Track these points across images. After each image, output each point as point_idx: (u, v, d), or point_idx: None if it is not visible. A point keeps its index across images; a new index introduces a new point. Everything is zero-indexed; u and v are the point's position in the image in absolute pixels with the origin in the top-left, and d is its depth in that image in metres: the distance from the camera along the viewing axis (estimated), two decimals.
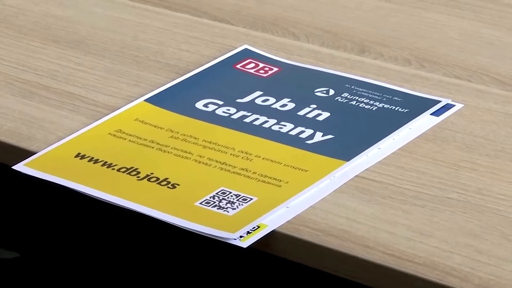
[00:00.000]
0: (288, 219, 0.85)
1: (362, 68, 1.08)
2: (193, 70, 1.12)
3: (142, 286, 1.02)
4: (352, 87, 1.07)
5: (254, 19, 1.20)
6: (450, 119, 1.01)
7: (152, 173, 0.93)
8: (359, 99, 1.05)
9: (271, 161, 0.95)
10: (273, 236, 0.84)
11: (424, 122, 0.99)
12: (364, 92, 1.06)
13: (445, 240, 0.83)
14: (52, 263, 1.03)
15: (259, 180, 0.92)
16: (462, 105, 1.02)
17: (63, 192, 0.92)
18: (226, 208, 0.87)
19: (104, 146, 0.98)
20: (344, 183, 0.90)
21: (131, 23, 1.25)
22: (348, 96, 1.05)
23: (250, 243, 0.82)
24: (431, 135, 0.98)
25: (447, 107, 1.02)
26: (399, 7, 1.23)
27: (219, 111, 1.04)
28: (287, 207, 0.86)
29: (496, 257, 0.80)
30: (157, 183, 0.91)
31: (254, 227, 0.83)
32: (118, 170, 0.94)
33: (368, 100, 1.05)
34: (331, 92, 1.06)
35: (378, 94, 1.05)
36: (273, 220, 0.84)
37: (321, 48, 1.12)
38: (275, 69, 1.12)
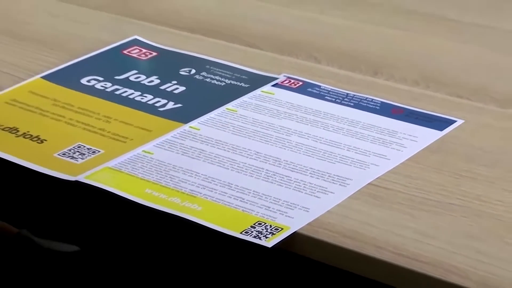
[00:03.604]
0: (308, 222, 0.89)
1: (375, 88, 1.12)
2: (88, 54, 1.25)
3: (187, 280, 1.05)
4: (211, 67, 1.20)
5: (282, 44, 1.26)
6: (452, 133, 1.04)
7: (28, 131, 1.06)
8: (213, 77, 1.18)
9: (125, 123, 1.08)
10: (294, 237, 0.88)
11: (429, 135, 1.03)
12: (218, 71, 1.19)
13: (448, 241, 0.86)
14: (109, 256, 1.08)
15: (110, 138, 1.05)
16: (463, 121, 1.05)
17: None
18: (77, 158, 1.01)
19: (4, 111, 1.12)
20: (358, 190, 0.94)
21: None
22: (205, 75, 1.18)
23: (275, 243, 0.86)
24: (435, 148, 1.01)
25: (450, 122, 1.05)
26: (408, 33, 1.28)
27: (98, 86, 1.17)
28: (307, 211, 0.90)
29: (493, 256, 0.83)
30: (30, 139, 1.05)
31: (277, 229, 0.87)
32: (2, 129, 1.07)
33: (220, 78, 1.17)
34: (193, 71, 1.19)
35: (229, 73, 1.18)
36: (294, 222, 0.88)
37: (339, 71, 1.17)
38: (154, 53, 1.25)
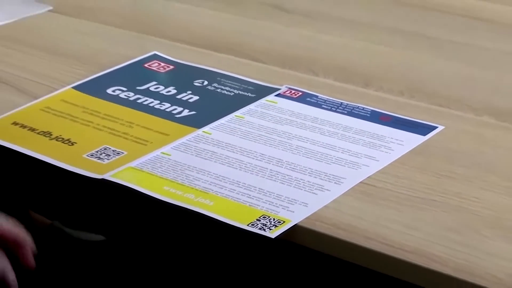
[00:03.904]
0: (307, 216, 0.90)
1: (366, 98, 1.12)
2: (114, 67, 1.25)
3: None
4: (221, 79, 1.19)
5: (284, 59, 1.25)
6: (434, 138, 1.04)
7: (60, 135, 1.06)
8: (223, 88, 1.17)
9: (146, 128, 1.08)
10: (295, 229, 0.88)
11: (413, 140, 1.03)
12: (228, 82, 1.18)
13: (430, 233, 0.86)
14: (131, 245, 1.08)
15: (132, 141, 1.05)
16: (444, 127, 1.05)
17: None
18: (103, 159, 1.01)
19: (34, 117, 1.11)
20: (351, 188, 0.94)
21: None
22: (217, 86, 1.17)
23: (277, 234, 0.87)
24: (419, 151, 1.01)
25: (432, 128, 1.06)
26: (394, 50, 1.28)
27: (122, 95, 1.16)
28: (306, 206, 0.91)
29: (470, 246, 0.83)
30: (61, 142, 1.05)
31: (279, 221, 0.88)
32: (38, 133, 1.07)
33: (229, 88, 1.16)
34: (205, 83, 1.18)
35: (237, 84, 1.17)
36: (295, 216, 0.89)
37: (334, 82, 1.17)
38: (171, 67, 1.24)
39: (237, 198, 0.92)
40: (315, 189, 0.93)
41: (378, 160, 0.98)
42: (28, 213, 1.14)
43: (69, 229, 1.09)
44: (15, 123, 1.08)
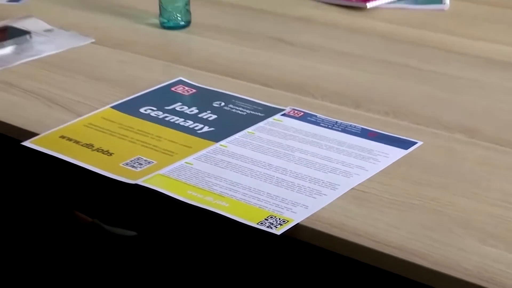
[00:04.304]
0: (307, 216, 0.90)
1: (357, 118, 1.12)
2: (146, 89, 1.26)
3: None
4: (235, 101, 1.18)
5: (288, 85, 1.25)
6: (414, 152, 1.04)
7: (100, 147, 1.07)
8: (237, 108, 1.17)
9: (172, 141, 1.08)
10: (297, 227, 0.89)
11: (397, 153, 1.03)
12: (241, 104, 1.18)
13: (410, 231, 0.87)
14: (159, 239, 1.09)
15: (161, 152, 1.05)
16: (422, 142, 1.05)
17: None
18: (136, 167, 1.02)
19: (78, 132, 1.12)
20: (344, 193, 0.95)
21: None
22: (232, 106, 1.17)
23: (282, 232, 0.88)
24: (401, 162, 1.02)
25: (412, 143, 1.06)
26: (381, 77, 1.27)
27: (152, 114, 1.16)
28: (307, 208, 0.91)
29: (444, 243, 0.85)
30: (101, 153, 1.05)
31: (284, 221, 0.89)
32: (82, 145, 1.08)
33: (242, 109, 1.16)
34: (222, 104, 1.18)
35: (249, 105, 1.17)
36: (297, 216, 0.90)
37: (334, 105, 1.16)
38: (194, 90, 1.23)
39: (249, 201, 0.92)
40: (314, 194, 0.93)
41: (367, 170, 0.98)
42: (73, 212, 1.15)
43: (107, 226, 1.10)
44: (62, 137, 1.08)
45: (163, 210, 1.01)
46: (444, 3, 1.55)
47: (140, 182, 0.97)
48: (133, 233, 1.08)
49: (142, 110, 1.15)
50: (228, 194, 0.93)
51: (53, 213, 1.20)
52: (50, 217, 1.21)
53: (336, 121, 1.10)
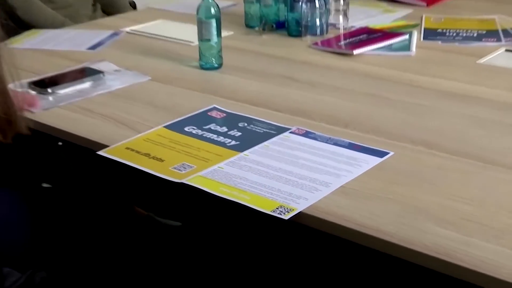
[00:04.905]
0: (307, 206, 0.91)
1: (345, 134, 1.13)
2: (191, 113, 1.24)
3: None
4: (255, 122, 1.17)
5: (294, 111, 1.24)
6: (387, 159, 1.03)
7: (155, 155, 1.06)
8: (256, 128, 1.15)
9: (208, 152, 1.07)
10: (300, 214, 0.90)
11: (374, 160, 1.03)
12: (259, 124, 1.16)
13: (384, 217, 0.88)
14: (198, 228, 1.10)
15: (199, 159, 1.04)
16: (393, 153, 1.05)
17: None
18: (181, 170, 1.01)
19: (139, 145, 1.11)
20: (335, 189, 0.95)
21: None
22: (252, 126, 1.16)
23: (289, 217, 0.89)
24: (378, 167, 1.02)
25: (386, 153, 1.05)
26: (364, 105, 1.26)
27: (193, 131, 1.15)
28: (307, 200, 0.92)
29: (410, 226, 0.86)
30: (156, 160, 1.05)
31: (290, 209, 0.89)
32: (141, 154, 1.07)
33: (260, 128, 1.15)
34: (245, 124, 1.17)
35: (265, 125, 1.16)
36: (300, 206, 0.90)
37: (328, 125, 1.16)
38: (224, 114, 1.22)
39: (264, 195, 0.93)
40: (313, 190, 0.94)
41: (352, 172, 0.99)
42: (133, 208, 1.16)
43: (159, 218, 1.10)
44: (127, 148, 1.08)
45: (202, 203, 1.01)
46: (411, 51, 1.54)
47: (184, 181, 0.97)
48: (178, 223, 1.09)
49: (186, 128, 1.14)
50: (249, 190, 0.94)
51: (119, 207, 1.21)
52: (116, 210, 1.21)
53: (330, 137, 1.10)
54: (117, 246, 1.21)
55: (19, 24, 1.99)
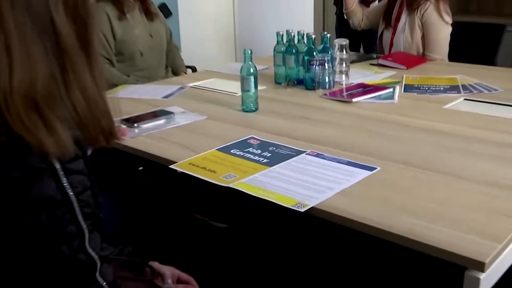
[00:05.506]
0: (317, 203, 0.92)
1: (345, 155, 1.12)
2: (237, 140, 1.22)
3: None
4: (281, 147, 1.16)
5: (308, 139, 1.23)
6: (376, 173, 1.04)
7: (210, 168, 1.06)
8: (282, 151, 1.15)
9: (247, 166, 1.06)
10: (312, 209, 0.91)
11: (365, 173, 1.03)
12: (284, 148, 1.16)
13: (373, 211, 0.88)
14: (243, 228, 1.07)
15: (241, 171, 1.04)
16: (380, 168, 1.06)
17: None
18: (228, 178, 1.00)
19: (199, 161, 1.10)
20: (337, 192, 0.96)
21: None
22: (279, 150, 1.15)
23: (304, 210, 0.90)
24: (368, 178, 1.02)
25: (374, 168, 1.05)
26: (359, 137, 1.25)
27: (237, 153, 1.14)
28: (317, 199, 0.93)
29: (390, 217, 0.86)
30: (210, 171, 1.05)
31: (305, 205, 0.90)
32: (200, 167, 1.06)
33: (285, 151, 1.14)
34: (274, 148, 1.16)
35: (288, 149, 1.15)
36: (311, 203, 0.91)
37: (333, 149, 1.16)
38: (259, 141, 1.21)
39: (286, 195, 0.95)
40: (321, 192, 0.96)
41: (349, 181, 1.01)
42: (193, 214, 1.13)
43: (211, 221, 1.08)
44: (190, 163, 1.09)
45: (245, 204, 1.00)
46: (395, 99, 1.57)
47: (230, 185, 1.00)
48: (224, 225, 1.07)
49: (231, 151, 1.16)
50: (276, 191, 0.97)
51: (181, 213, 1.19)
52: (178, 216, 1.20)
53: (334, 157, 1.11)
54: (180, 242, 1.19)
55: None
